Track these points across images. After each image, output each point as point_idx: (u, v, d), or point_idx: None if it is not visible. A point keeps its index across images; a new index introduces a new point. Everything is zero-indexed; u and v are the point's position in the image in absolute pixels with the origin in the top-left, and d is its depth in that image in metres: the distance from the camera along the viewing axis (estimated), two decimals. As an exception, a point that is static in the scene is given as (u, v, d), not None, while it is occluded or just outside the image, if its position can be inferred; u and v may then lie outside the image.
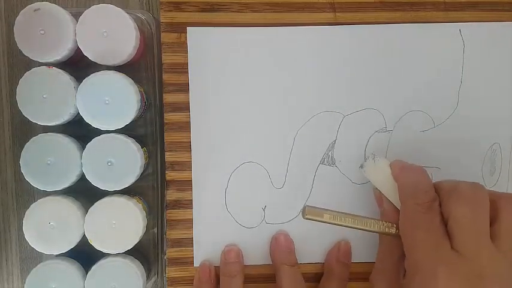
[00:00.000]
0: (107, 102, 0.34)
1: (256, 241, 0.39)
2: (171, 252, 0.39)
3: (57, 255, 0.37)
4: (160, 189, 0.40)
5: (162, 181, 0.40)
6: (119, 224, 0.36)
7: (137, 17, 0.38)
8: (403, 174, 0.34)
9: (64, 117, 0.35)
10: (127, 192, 0.37)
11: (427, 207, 0.31)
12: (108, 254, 0.37)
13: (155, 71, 0.39)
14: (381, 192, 0.35)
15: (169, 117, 0.38)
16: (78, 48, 0.35)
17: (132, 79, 0.36)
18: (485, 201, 0.30)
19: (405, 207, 0.32)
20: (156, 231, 0.40)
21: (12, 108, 0.40)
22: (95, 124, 0.35)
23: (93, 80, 0.34)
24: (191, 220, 0.39)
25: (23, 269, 0.41)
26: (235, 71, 0.38)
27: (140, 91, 0.36)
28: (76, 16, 0.35)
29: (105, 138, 0.35)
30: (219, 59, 0.38)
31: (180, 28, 0.38)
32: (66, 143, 0.35)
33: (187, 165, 0.38)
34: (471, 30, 0.39)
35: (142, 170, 0.36)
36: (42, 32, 0.34)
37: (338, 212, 0.34)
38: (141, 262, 0.37)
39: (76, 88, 0.35)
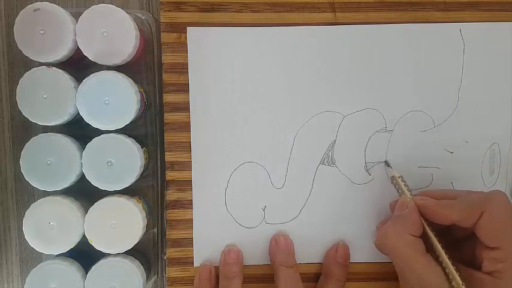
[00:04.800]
0: (107, 102, 0.34)
1: (256, 241, 0.39)
2: (171, 252, 0.39)
3: (57, 255, 0.37)
4: (160, 189, 0.40)
5: (162, 181, 0.40)
6: (119, 224, 0.36)
7: (137, 17, 0.38)
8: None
9: (64, 117, 0.35)
10: (127, 192, 0.37)
11: None
12: (108, 254, 0.37)
13: (155, 71, 0.39)
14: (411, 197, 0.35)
15: (169, 117, 0.38)
16: (78, 48, 0.35)
17: (132, 79, 0.36)
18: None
19: None
20: (156, 231, 0.40)
21: (12, 108, 0.40)
22: (95, 124, 0.35)
23: (93, 80, 0.34)
24: (191, 220, 0.39)
25: (23, 269, 0.41)
26: (235, 71, 0.38)
27: (140, 91, 0.36)
28: (76, 16, 0.35)
29: (105, 138, 0.35)
30: (219, 59, 0.38)
31: (180, 28, 0.38)
32: (66, 143, 0.35)
33: (187, 165, 0.38)
34: (471, 30, 0.39)
35: (142, 170, 0.36)
36: (42, 32, 0.34)
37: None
38: (141, 262, 0.37)
39: (76, 88, 0.35)
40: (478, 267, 0.32)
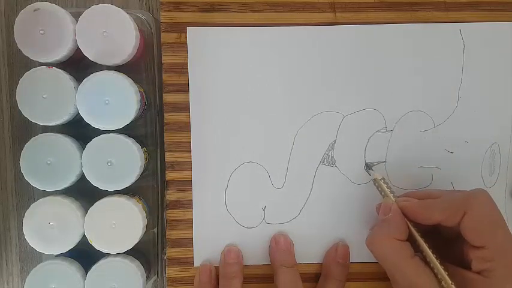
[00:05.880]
0: (107, 102, 0.34)
1: (256, 241, 0.39)
2: (171, 252, 0.39)
3: (57, 255, 0.37)
4: (160, 189, 0.40)
5: (162, 181, 0.40)
6: (119, 224, 0.36)
7: (137, 17, 0.38)
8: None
9: (64, 117, 0.35)
10: (127, 192, 0.37)
11: None
12: (108, 254, 0.37)
13: (155, 71, 0.39)
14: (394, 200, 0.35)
15: (169, 117, 0.38)
16: (78, 48, 0.35)
17: (132, 79, 0.36)
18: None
19: None
20: (156, 231, 0.40)
21: (12, 108, 0.40)
22: (95, 124, 0.35)
23: (93, 80, 0.34)
24: (191, 220, 0.39)
25: (22, 269, 0.41)
26: (235, 71, 0.38)
27: (140, 91, 0.36)
28: (76, 16, 0.35)
29: (105, 138, 0.35)
30: (219, 59, 0.38)
31: (180, 28, 0.38)
32: (66, 143, 0.35)
33: (187, 165, 0.38)
34: (471, 30, 0.39)
35: (142, 170, 0.36)
36: (42, 32, 0.34)
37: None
38: (141, 262, 0.37)
39: (76, 88, 0.35)
40: (468, 267, 0.31)
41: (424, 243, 0.32)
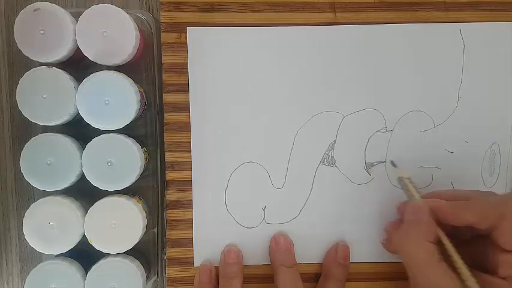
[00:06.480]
0: (107, 102, 0.34)
1: (256, 241, 0.39)
2: (171, 252, 0.39)
3: (57, 255, 0.37)
4: (160, 189, 0.40)
5: (162, 181, 0.40)
6: (119, 224, 0.36)
7: (137, 17, 0.38)
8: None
9: (64, 117, 0.35)
10: (127, 192, 0.37)
11: None
12: (108, 254, 0.37)
13: (155, 71, 0.39)
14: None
15: (169, 117, 0.38)
16: (78, 48, 0.35)
17: (132, 79, 0.36)
18: None
19: None
20: (156, 231, 0.40)
21: (12, 108, 0.40)
22: (95, 124, 0.35)
23: (93, 80, 0.34)
24: (191, 220, 0.39)
25: (22, 269, 0.41)
26: (235, 71, 0.38)
27: (140, 91, 0.36)
28: (76, 16, 0.35)
29: (105, 138, 0.35)
30: (219, 59, 0.38)
31: (180, 28, 0.38)
32: (66, 143, 0.35)
33: (187, 165, 0.38)
34: (471, 30, 0.39)
35: (142, 170, 0.36)
36: (42, 32, 0.34)
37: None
38: (141, 262, 0.37)
39: (76, 88, 0.35)
40: (491, 271, 0.31)
41: (453, 248, 0.31)
